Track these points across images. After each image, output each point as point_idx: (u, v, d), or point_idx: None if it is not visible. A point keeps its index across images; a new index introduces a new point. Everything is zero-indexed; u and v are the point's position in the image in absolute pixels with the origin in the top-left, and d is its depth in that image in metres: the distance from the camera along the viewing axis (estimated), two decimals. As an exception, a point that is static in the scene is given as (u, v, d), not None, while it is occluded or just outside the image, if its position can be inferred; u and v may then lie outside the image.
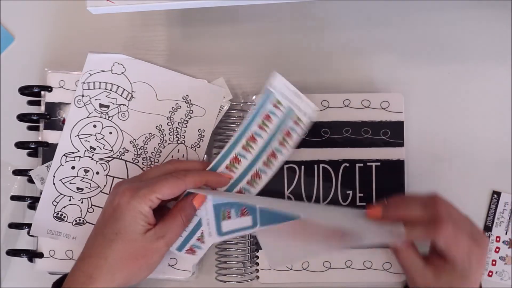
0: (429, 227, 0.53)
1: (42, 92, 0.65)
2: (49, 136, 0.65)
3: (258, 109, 0.59)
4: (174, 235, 0.58)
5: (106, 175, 0.64)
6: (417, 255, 0.57)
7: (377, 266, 0.63)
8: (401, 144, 0.64)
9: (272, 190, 0.62)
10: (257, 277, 0.64)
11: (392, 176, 0.63)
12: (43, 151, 0.65)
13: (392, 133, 0.64)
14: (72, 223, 0.64)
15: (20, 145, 0.65)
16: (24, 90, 0.65)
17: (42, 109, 0.65)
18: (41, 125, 0.65)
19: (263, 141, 0.60)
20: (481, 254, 0.55)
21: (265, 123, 0.59)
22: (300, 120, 0.61)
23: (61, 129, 0.64)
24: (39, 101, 0.66)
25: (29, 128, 0.66)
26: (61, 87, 0.65)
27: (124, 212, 0.55)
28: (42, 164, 0.65)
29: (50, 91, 0.65)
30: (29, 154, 0.66)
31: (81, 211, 0.64)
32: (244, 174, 0.61)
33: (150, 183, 0.56)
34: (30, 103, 0.66)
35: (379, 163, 0.63)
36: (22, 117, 0.65)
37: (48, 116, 0.65)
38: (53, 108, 0.65)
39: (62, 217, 0.64)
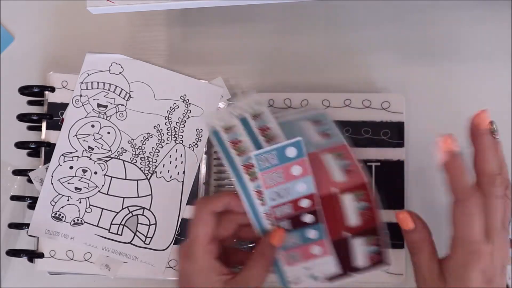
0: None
1: (46, 92, 0.65)
2: (51, 136, 0.65)
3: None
4: (258, 283, 0.52)
5: (104, 175, 0.64)
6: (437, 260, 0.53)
7: (375, 266, 0.63)
8: (401, 145, 0.63)
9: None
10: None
11: (392, 176, 0.63)
12: (45, 151, 0.65)
13: (392, 133, 0.63)
14: (70, 223, 0.64)
15: (20, 145, 0.65)
16: (24, 90, 0.65)
17: (44, 109, 0.66)
18: (43, 125, 0.65)
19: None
20: None
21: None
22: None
23: (62, 129, 0.65)
24: (40, 101, 0.66)
25: (29, 128, 0.66)
26: (64, 87, 0.66)
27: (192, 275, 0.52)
28: (44, 164, 0.65)
29: (52, 91, 0.65)
30: (29, 154, 0.66)
31: (79, 211, 0.64)
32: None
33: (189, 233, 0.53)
34: (30, 103, 0.66)
35: (379, 164, 0.63)
36: (22, 117, 0.65)
37: (48, 116, 0.65)
38: (56, 108, 0.65)
39: (60, 217, 0.64)
